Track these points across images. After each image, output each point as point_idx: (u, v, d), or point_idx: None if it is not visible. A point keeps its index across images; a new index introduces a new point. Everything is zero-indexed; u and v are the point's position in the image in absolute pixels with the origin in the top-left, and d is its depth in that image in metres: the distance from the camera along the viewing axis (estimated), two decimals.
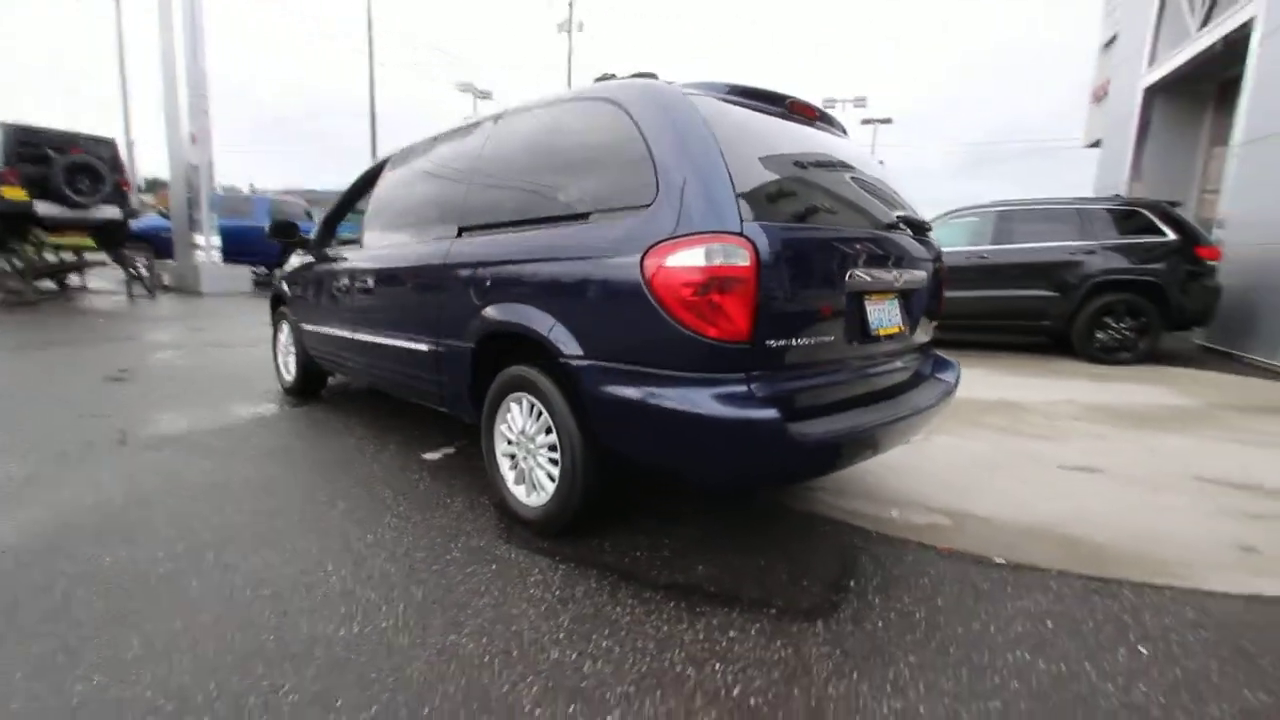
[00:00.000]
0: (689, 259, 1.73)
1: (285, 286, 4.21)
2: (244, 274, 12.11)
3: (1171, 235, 6.23)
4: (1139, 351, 6.27)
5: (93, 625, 1.70)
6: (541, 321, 2.11)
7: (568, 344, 2.03)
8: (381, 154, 3.67)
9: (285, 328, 4.31)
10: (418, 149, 3.22)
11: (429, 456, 3.15)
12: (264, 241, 12.38)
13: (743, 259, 1.71)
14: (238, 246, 12.52)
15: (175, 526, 2.29)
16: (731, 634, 1.74)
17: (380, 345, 3.07)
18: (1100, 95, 15.23)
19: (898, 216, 2.42)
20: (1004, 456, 3.28)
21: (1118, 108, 11.55)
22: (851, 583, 2.03)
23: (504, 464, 2.45)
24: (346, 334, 3.38)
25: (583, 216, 2.09)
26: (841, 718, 1.43)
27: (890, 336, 2.28)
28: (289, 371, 4.33)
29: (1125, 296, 6.23)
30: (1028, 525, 2.47)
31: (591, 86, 2.30)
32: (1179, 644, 1.74)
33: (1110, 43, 14.58)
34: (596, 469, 2.10)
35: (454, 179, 2.74)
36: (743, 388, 1.77)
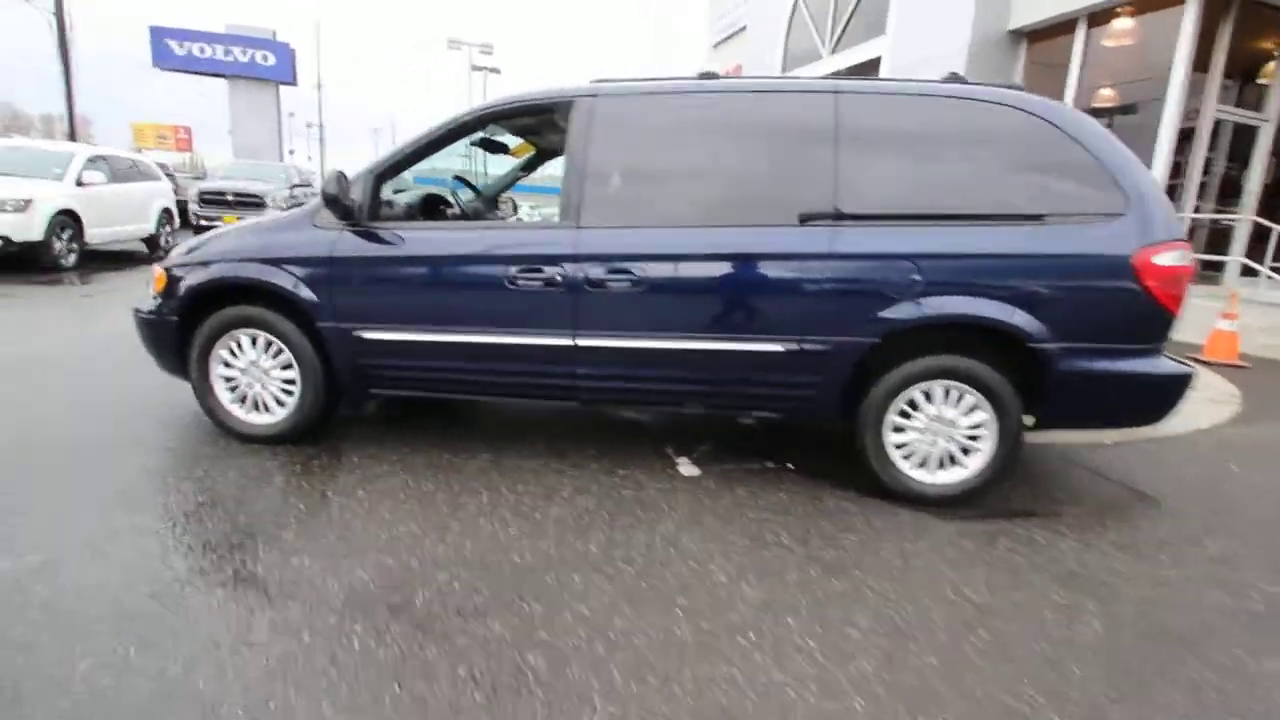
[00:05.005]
0: (1173, 259, 2.30)
1: (290, 280, 2.70)
2: None
3: None
4: None
5: None
6: (1007, 312, 2.34)
7: (1036, 330, 2.34)
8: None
9: (248, 342, 2.81)
10: (669, 104, 2.67)
11: (687, 472, 2.80)
12: None
13: (1190, 260, 2.36)
14: None
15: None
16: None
17: (664, 351, 2.54)
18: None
19: None
20: None
21: None
22: None
23: (896, 454, 2.54)
24: (552, 341, 2.57)
25: (1036, 218, 2.36)
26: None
27: None
28: (268, 409, 2.89)
29: None
30: None
31: (970, 88, 2.47)
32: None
33: (722, 42, 18.22)
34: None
35: (795, 158, 2.47)
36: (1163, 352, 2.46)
